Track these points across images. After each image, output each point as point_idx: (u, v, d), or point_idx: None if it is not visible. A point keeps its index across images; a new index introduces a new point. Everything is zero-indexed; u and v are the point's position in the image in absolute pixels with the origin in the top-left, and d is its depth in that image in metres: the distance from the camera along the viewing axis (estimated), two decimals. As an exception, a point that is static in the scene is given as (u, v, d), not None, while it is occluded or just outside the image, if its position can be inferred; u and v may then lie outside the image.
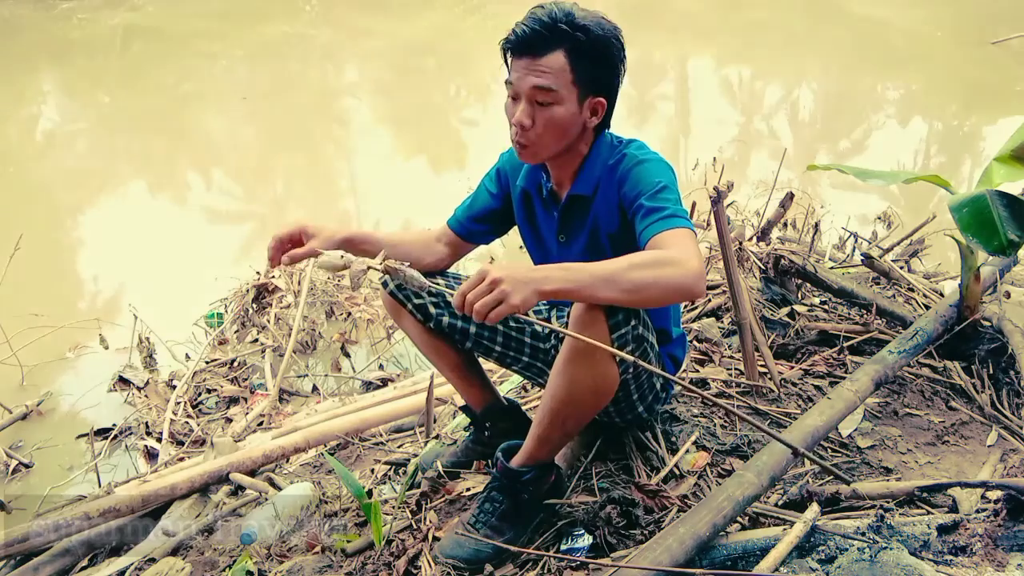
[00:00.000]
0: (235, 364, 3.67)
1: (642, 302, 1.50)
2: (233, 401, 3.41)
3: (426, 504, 1.89)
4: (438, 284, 1.72)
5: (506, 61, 1.63)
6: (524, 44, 1.57)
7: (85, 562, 2.20)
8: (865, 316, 2.62)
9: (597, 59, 1.59)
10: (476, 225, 1.90)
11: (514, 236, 1.98)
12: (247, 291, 4.03)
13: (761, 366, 2.29)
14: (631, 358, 1.41)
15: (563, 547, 1.64)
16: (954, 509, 1.72)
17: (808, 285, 2.84)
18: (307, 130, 7.87)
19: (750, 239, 3.50)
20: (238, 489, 2.39)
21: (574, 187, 1.71)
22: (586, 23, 1.56)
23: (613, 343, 1.53)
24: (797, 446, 1.62)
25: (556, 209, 1.76)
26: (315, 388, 3.55)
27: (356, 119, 8.48)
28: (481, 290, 1.33)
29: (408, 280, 1.45)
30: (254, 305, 3.99)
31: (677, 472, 1.89)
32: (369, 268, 1.47)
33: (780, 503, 1.74)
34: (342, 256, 1.52)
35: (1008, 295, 2.69)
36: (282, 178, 6.82)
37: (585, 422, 1.66)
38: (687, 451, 1.95)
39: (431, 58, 10.56)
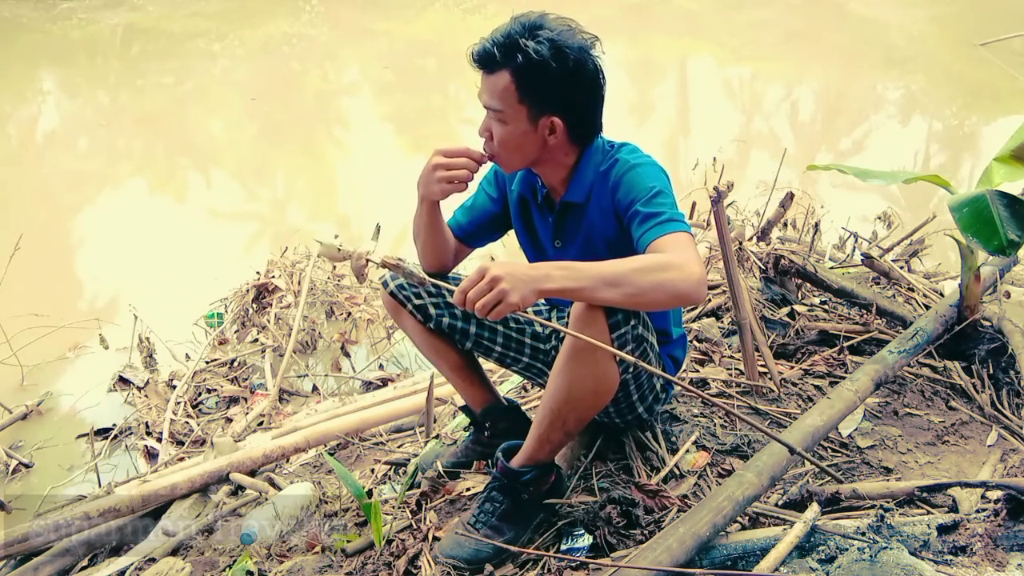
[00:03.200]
0: (235, 364, 3.67)
1: (642, 305, 1.50)
2: (233, 401, 3.41)
3: (426, 504, 1.89)
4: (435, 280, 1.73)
5: None
6: (477, 60, 1.61)
7: (85, 562, 2.20)
8: (865, 316, 2.62)
9: (545, 80, 1.57)
10: (476, 228, 1.90)
11: (514, 237, 1.98)
12: (247, 291, 4.03)
13: (761, 366, 2.29)
14: (632, 359, 1.41)
15: (563, 547, 1.64)
16: (954, 509, 1.72)
17: (808, 285, 2.84)
18: (307, 130, 7.87)
19: (750, 239, 3.50)
20: (238, 489, 2.39)
21: (567, 194, 1.71)
22: (534, 44, 1.55)
23: (612, 343, 1.53)
24: (795, 446, 1.62)
25: (551, 215, 1.76)
26: (315, 388, 3.55)
27: (356, 119, 8.48)
28: (481, 288, 1.33)
29: (407, 276, 1.45)
30: (254, 305, 3.99)
31: (677, 472, 1.89)
32: (368, 261, 1.47)
33: (780, 503, 1.74)
34: (339, 248, 1.52)
35: (1008, 295, 2.69)
36: (282, 178, 6.82)
37: (585, 422, 1.66)
38: (687, 451, 1.95)
39: (431, 58, 10.56)
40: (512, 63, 1.57)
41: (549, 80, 1.58)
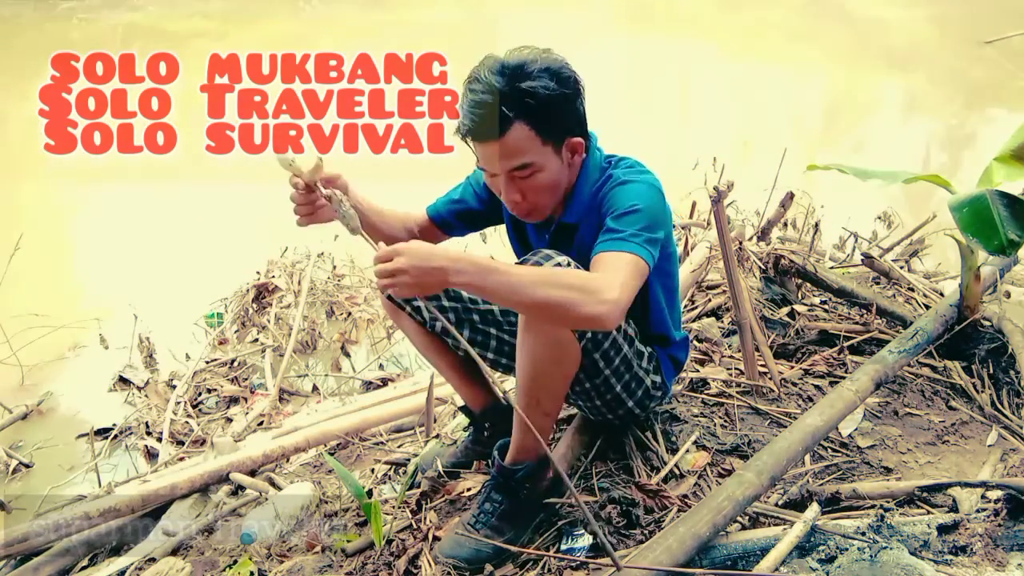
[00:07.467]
0: (235, 364, 3.67)
1: (538, 320, 1.49)
2: (233, 401, 3.41)
3: (426, 504, 1.89)
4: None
5: (467, 143, 1.59)
6: (479, 131, 1.53)
7: (85, 562, 2.20)
8: (865, 316, 2.62)
9: (558, 109, 1.54)
10: (456, 220, 1.89)
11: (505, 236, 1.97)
12: (247, 291, 4.03)
13: (761, 366, 2.29)
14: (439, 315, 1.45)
15: (563, 547, 1.64)
16: (954, 509, 1.72)
17: (808, 285, 2.84)
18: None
19: (750, 239, 3.50)
20: (238, 489, 2.39)
21: (563, 216, 1.70)
22: (536, 82, 1.50)
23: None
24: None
25: (547, 232, 1.76)
26: (315, 388, 3.55)
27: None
28: (383, 268, 1.35)
29: (343, 217, 1.52)
30: (254, 305, 3.99)
31: (677, 472, 1.89)
32: (320, 171, 1.65)
33: (780, 503, 1.74)
34: (291, 163, 1.60)
35: (1008, 295, 2.69)
36: (282, 178, 6.82)
37: (559, 397, 1.65)
38: (687, 451, 1.95)
39: (431, 58, 10.55)
40: (523, 110, 1.50)
41: (561, 107, 1.54)
